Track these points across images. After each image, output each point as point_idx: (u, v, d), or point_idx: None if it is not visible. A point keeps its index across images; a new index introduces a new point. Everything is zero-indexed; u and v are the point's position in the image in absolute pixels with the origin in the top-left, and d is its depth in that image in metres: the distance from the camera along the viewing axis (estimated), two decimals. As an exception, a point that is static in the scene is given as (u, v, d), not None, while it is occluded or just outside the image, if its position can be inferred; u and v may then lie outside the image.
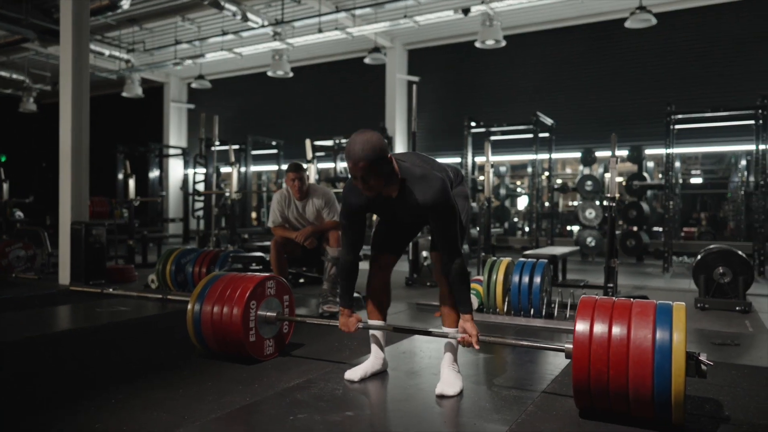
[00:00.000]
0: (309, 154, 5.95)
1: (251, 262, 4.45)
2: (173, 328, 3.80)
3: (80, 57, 5.83)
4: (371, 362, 2.55)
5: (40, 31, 9.63)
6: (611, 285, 4.52)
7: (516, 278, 3.87)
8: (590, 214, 9.22)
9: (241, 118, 14.09)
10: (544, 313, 3.86)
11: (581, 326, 2.05)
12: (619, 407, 2.00)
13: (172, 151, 14.05)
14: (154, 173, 13.58)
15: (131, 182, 7.63)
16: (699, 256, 4.54)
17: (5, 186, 9.37)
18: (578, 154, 10.22)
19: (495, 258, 4.09)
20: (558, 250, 5.30)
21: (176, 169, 14.43)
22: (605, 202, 4.55)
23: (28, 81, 13.53)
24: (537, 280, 3.82)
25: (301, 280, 5.18)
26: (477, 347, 2.30)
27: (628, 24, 7.84)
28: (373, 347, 2.58)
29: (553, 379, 2.62)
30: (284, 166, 12.31)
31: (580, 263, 8.77)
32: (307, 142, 5.97)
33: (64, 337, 3.46)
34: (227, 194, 6.63)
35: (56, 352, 3.13)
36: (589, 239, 9.15)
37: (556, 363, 2.89)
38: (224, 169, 11.12)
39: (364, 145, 2.08)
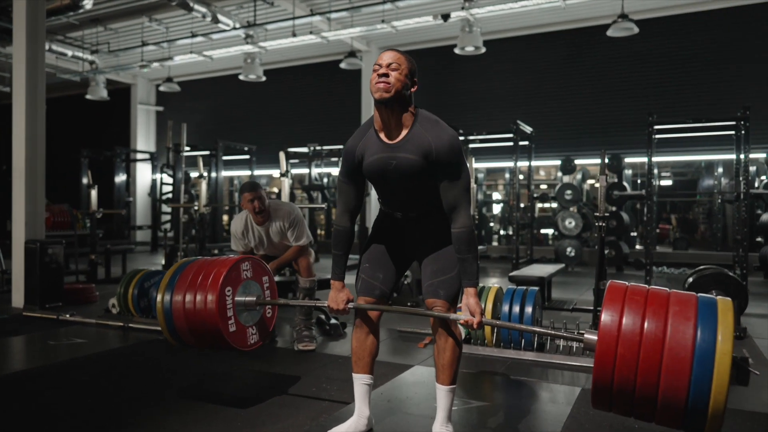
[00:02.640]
0: (283, 167, 5.64)
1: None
2: (139, 364, 3.46)
3: (35, 61, 5.41)
4: (354, 423, 2.27)
5: (-3, 30, 9.09)
6: (600, 309, 4.33)
7: (506, 308, 3.63)
8: (570, 223, 9.10)
9: (211, 121, 13.65)
10: (535, 344, 3.63)
11: (609, 317, 1.75)
12: (642, 411, 1.75)
13: (139, 156, 13.53)
14: (121, 178, 13.06)
15: (93, 193, 7.21)
16: (691, 279, 4.38)
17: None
18: (557, 162, 10.11)
19: (482, 285, 3.85)
20: (545, 269, 5.09)
21: (144, 173, 13.91)
22: (597, 223, 4.34)
23: (-15, 81, 12.87)
24: (528, 310, 3.59)
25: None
26: (476, 327, 2.04)
27: (610, 33, 7.73)
28: (358, 403, 2.30)
29: (554, 434, 2.39)
30: (257, 172, 11.93)
31: (561, 274, 8.64)
32: (281, 154, 5.66)
33: (13, 381, 3.10)
34: (195, 207, 6.27)
35: (2, 401, 2.78)
36: (569, 249, 9.03)
37: (557, 412, 2.65)
38: (194, 174, 10.70)
39: (407, 56, 2.10)
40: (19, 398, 2.82)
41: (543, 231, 11.42)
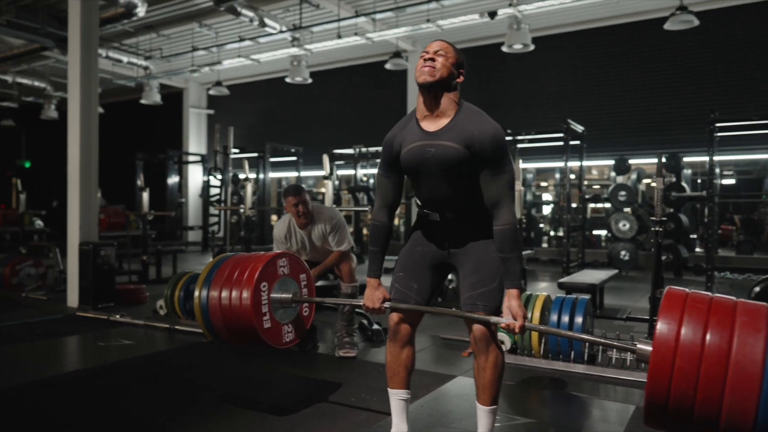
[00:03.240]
0: (327, 169, 5.62)
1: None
2: (182, 368, 3.49)
3: (89, 68, 5.58)
4: (391, 440, 2.18)
5: (57, 39, 9.49)
6: (657, 318, 4.09)
7: (554, 317, 3.47)
8: (624, 226, 8.73)
9: (260, 124, 13.87)
10: (586, 356, 3.45)
11: (665, 326, 1.58)
12: None
13: (191, 158, 13.88)
14: (174, 180, 13.43)
15: (145, 195, 7.40)
16: (758, 288, 4.08)
17: (23, 197, 9.26)
18: (610, 162, 9.73)
19: (529, 293, 3.70)
20: (596, 275, 4.86)
21: (196, 175, 14.27)
22: (653, 227, 4.11)
23: (49, 88, 13.50)
24: (578, 320, 3.41)
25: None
26: (518, 332, 1.90)
27: (667, 26, 7.35)
28: (395, 419, 2.20)
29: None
30: (304, 174, 12.03)
31: (614, 279, 8.28)
32: (325, 157, 5.63)
33: (62, 383, 3.17)
34: (242, 210, 6.33)
35: (54, 402, 2.84)
36: (623, 253, 8.67)
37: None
38: (242, 175, 10.88)
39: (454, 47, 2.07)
40: (65, 400, 2.88)
41: (595, 232, 11.02)
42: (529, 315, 3.55)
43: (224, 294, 2.46)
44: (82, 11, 5.53)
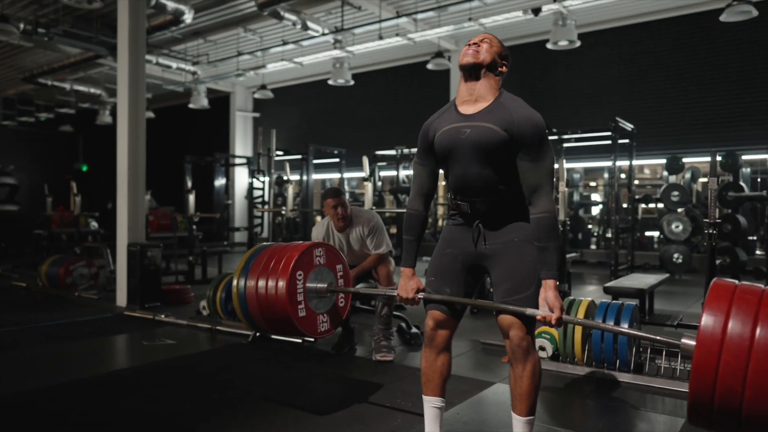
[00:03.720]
0: (366, 171, 5.60)
1: (302, 294, 4.15)
2: (222, 369, 3.54)
3: (137, 74, 5.75)
4: (424, 451, 2.12)
5: (110, 47, 9.86)
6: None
7: (599, 323, 3.32)
8: (677, 227, 8.38)
9: (304, 126, 14.02)
10: (632, 364, 3.30)
11: (710, 320, 1.50)
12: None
13: (237, 161, 14.17)
14: (221, 182, 13.74)
15: (191, 197, 7.58)
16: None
17: (78, 200, 9.64)
18: (662, 161, 9.36)
19: (573, 298, 3.57)
20: (645, 280, 4.66)
21: (242, 177, 14.54)
22: (707, 230, 3.91)
23: (103, 95, 14.04)
24: (624, 326, 3.26)
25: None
26: (555, 324, 1.84)
27: (724, 18, 7.00)
28: (428, 427, 2.14)
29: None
30: (346, 175, 12.08)
31: (667, 283, 7.95)
32: (365, 159, 5.62)
33: (106, 382, 3.26)
34: (283, 211, 6.39)
35: (93, 401, 2.91)
36: (675, 255, 8.31)
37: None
38: (285, 177, 11.02)
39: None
40: (104, 400, 2.95)
41: (647, 233, 10.61)
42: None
43: (261, 283, 2.48)
44: (131, 19, 5.70)
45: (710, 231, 3.95)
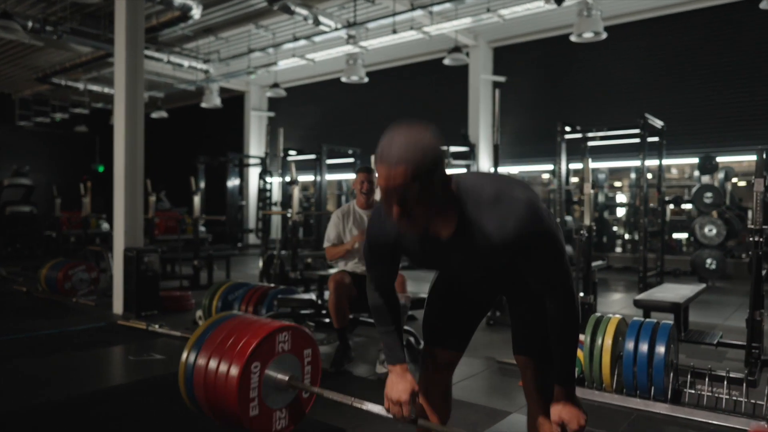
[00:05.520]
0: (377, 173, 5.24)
1: (301, 307, 3.81)
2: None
3: (134, 73, 5.47)
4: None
5: (119, 45, 9.66)
6: (757, 345, 3.45)
7: (630, 345, 2.92)
8: (710, 231, 7.85)
9: (319, 125, 13.72)
10: (670, 393, 2.89)
11: None
12: None
13: (251, 161, 13.93)
14: (234, 183, 13.51)
15: (197, 199, 7.31)
16: None
17: (85, 201, 9.47)
18: (692, 160, 8.83)
19: (600, 315, 3.16)
20: (680, 291, 4.22)
21: (257, 178, 14.29)
22: (750, 237, 3.48)
23: (117, 94, 13.92)
24: (660, 349, 2.85)
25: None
26: None
27: (764, 5, 6.47)
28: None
29: None
30: (361, 176, 11.72)
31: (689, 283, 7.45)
32: (373, 158, 5.25)
33: (80, 404, 2.96)
34: (288, 214, 6.07)
35: (59, 427, 2.60)
36: (708, 261, 7.79)
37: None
38: (301, 178, 10.71)
39: (409, 143, 1.27)
40: (70, 426, 2.64)
41: (675, 236, 10.05)
42: (599, 341, 3.02)
43: (212, 364, 2.11)
44: (128, 13, 5.42)
45: (756, 238, 3.52)
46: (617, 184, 11.87)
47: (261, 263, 6.87)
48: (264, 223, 8.24)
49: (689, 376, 3.04)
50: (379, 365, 3.35)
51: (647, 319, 3.06)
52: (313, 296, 3.88)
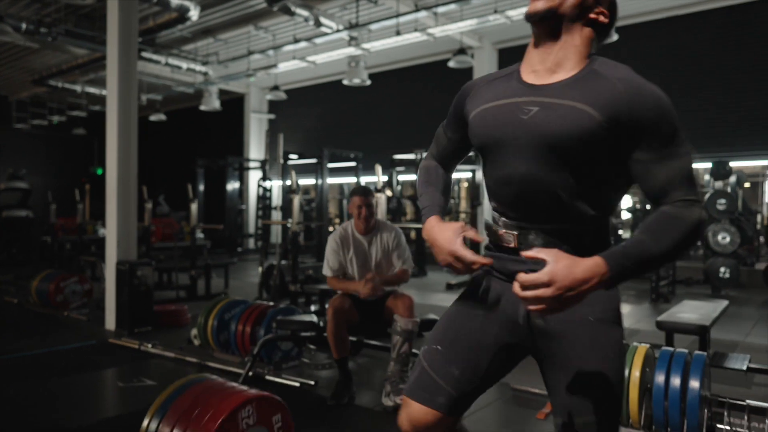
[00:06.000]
0: (380, 181, 5.00)
1: (300, 330, 3.57)
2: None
3: (127, 76, 5.24)
4: None
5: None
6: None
7: (660, 378, 2.68)
8: (724, 239, 7.61)
9: (320, 128, 13.49)
10: (704, 429, 2.64)
11: None
12: None
13: (252, 164, 13.71)
14: (234, 186, 13.29)
15: (194, 207, 7.07)
16: None
17: (80, 207, 9.25)
18: (705, 165, 8.58)
19: (624, 343, 2.92)
20: (703, 309, 3.98)
21: (256, 181, 14.07)
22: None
23: (115, 97, 13.70)
24: (695, 384, 2.61)
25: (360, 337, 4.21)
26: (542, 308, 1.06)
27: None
28: None
29: None
30: (363, 180, 11.50)
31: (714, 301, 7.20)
32: (378, 167, 5.02)
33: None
34: (289, 224, 5.83)
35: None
36: (722, 269, 7.54)
37: None
38: (302, 182, 10.46)
39: None
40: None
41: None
42: (627, 372, 2.78)
43: None
44: (120, 13, 5.19)
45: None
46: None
47: (260, 270, 6.63)
48: (264, 231, 7.98)
49: (725, 410, 2.80)
50: (385, 397, 3.10)
51: (678, 350, 2.82)
52: (314, 318, 3.63)
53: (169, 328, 5.17)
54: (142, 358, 4.20)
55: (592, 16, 1.24)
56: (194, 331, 4.42)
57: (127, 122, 5.20)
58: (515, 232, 1.26)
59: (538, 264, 1.07)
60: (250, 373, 3.57)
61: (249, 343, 3.92)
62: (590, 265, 1.07)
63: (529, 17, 1.23)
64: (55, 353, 4.35)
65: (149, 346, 4.38)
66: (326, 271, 3.45)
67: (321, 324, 3.53)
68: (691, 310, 3.97)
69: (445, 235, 1.25)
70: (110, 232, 5.15)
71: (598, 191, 1.22)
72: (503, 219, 1.30)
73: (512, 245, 1.26)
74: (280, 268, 6.16)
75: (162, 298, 6.63)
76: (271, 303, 4.25)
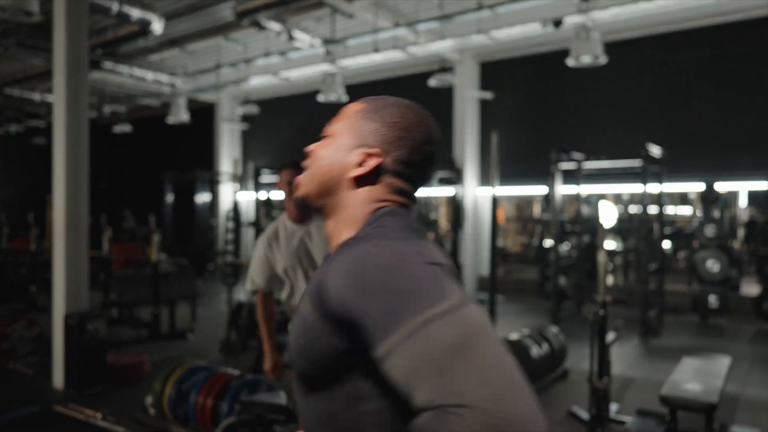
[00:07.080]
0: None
1: (267, 413, 3.15)
2: None
3: (77, 99, 4.77)
4: None
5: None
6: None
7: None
8: (714, 266, 7.38)
9: (295, 141, 12.97)
10: None
11: None
12: None
13: (224, 177, 13.15)
14: (205, 200, 12.72)
15: (156, 238, 6.55)
16: None
17: (34, 232, 8.64)
18: (690, 185, 8.37)
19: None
20: (706, 371, 3.66)
21: (229, 194, 13.50)
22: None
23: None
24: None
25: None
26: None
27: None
28: None
29: None
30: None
31: (698, 331, 6.97)
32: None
33: None
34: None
35: None
36: (711, 299, 7.32)
37: None
38: (277, 196, 10.00)
39: None
40: None
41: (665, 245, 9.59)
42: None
43: None
44: (68, 23, 4.74)
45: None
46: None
47: (228, 312, 6.15)
48: (233, 269, 7.49)
49: None
50: None
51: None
52: (282, 398, 3.20)
53: (125, 385, 4.69)
54: (90, 433, 3.73)
55: (356, 173, 0.97)
56: (150, 399, 3.95)
57: (76, 152, 4.69)
58: None
59: None
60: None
61: (210, 420, 3.48)
62: None
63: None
64: (-11, 426, 3.85)
65: (98, 416, 3.89)
66: (249, 286, 2.63)
67: (291, 407, 3.10)
68: (694, 376, 3.66)
69: None
70: (57, 280, 4.62)
71: None
72: None
73: None
74: (250, 307, 5.70)
75: (120, 339, 6.13)
76: (236, 372, 3.80)
